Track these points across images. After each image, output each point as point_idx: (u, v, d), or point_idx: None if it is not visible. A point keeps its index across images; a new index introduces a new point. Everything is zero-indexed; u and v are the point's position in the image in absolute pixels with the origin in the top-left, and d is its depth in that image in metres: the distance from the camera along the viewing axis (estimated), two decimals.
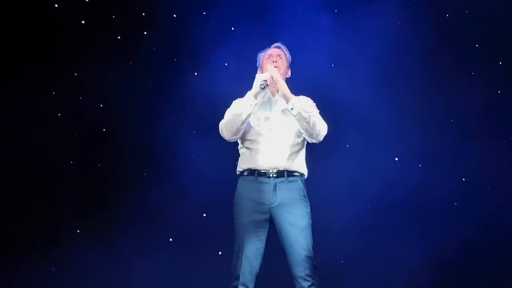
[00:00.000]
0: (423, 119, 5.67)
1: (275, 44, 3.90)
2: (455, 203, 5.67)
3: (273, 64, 3.77)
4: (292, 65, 3.92)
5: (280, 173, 3.64)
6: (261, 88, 3.63)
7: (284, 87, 3.65)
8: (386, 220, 5.50)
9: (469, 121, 5.67)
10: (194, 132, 5.51)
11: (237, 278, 3.55)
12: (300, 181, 3.69)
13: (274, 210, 3.61)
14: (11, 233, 5.20)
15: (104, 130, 5.53)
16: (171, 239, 5.47)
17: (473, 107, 5.66)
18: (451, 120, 5.72)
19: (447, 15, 5.77)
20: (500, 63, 5.75)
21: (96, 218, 5.33)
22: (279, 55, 3.83)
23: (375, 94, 5.56)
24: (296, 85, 3.91)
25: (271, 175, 3.64)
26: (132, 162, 5.45)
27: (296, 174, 3.69)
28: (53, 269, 5.30)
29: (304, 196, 3.66)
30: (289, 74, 3.88)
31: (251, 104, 3.61)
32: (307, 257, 3.54)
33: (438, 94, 5.70)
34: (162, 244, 5.42)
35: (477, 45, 5.75)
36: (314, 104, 3.83)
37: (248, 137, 3.70)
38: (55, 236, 5.29)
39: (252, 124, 3.70)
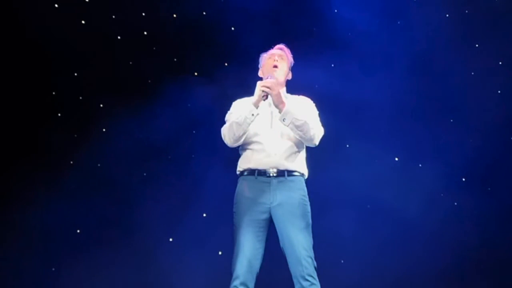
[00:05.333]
0: (423, 119, 5.68)
1: (278, 46, 3.89)
2: (455, 203, 5.67)
3: (274, 63, 3.76)
4: (292, 65, 3.91)
5: (280, 173, 3.63)
6: (263, 100, 3.61)
7: (277, 98, 3.58)
8: (386, 220, 5.50)
9: (469, 121, 5.68)
10: (194, 132, 5.52)
11: (237, 277, 3.53)
12: (300, 181, 3.68)
13: (274, 210, 3.60)
14: (11, 233, 5.19)
15: (104, 130, 5.53)
16: (171, 239, 5.47)
17: (473, 107, 5.67)
18: (451, 120, 5.73)
19: (447, 15, 5.77)
20: (500, 63, 5.75)
21: (96, 218, 5.33)
22: (280, 56, 3.82)
23: (375, 94, 5.57)
24: (297, 85, 3.91)
25: (271, 175, 3.62)
26: (132, 162, 5.44)
27: (296, 173, 3.68)
28: (53, 269, 5.30)
29: (304, 196, 3.65)
30: (290, 76, 3.87)
31: (253, 114, 3.59)
32: (307, 256, 3.53)
33: (438, 94, 5.71)
34: (162, 244, 5.42)
35: (477, 45, 5.75)
36: (314, 104, 3.83)
37: (248, 138, 3.69)
38: (55, 236, 5.29)
39: (252, 124, 3.68)
